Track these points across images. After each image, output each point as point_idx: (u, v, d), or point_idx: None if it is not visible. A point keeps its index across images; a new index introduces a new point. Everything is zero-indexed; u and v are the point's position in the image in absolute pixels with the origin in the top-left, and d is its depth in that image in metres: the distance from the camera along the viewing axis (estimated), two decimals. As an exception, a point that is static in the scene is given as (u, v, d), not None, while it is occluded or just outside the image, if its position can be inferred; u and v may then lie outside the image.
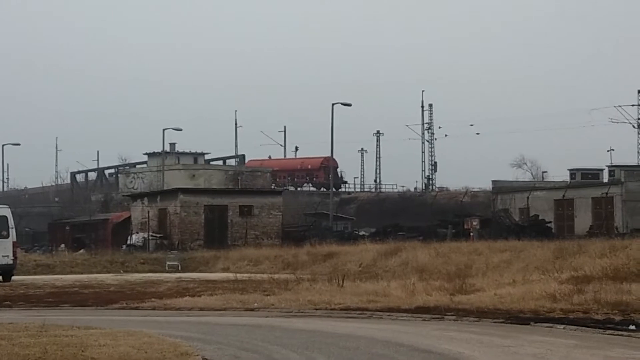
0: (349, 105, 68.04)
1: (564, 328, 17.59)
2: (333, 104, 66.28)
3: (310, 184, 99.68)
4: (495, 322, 18.93)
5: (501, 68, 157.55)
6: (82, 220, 66.71)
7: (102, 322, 19.09)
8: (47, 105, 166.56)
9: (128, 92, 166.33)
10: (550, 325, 17.99)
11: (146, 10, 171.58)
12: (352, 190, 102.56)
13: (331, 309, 22.39)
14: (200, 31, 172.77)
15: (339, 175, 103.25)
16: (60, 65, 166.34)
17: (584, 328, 17.44)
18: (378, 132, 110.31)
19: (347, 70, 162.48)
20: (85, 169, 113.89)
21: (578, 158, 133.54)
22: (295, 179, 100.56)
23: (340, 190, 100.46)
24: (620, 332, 16.72)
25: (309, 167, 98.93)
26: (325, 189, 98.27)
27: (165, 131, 77.46)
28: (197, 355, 13.23)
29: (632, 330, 16.88)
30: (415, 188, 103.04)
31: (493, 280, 28.48)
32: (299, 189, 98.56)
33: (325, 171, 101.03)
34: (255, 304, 23.99)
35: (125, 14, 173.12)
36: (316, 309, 22.50)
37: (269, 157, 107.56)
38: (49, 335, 15.28)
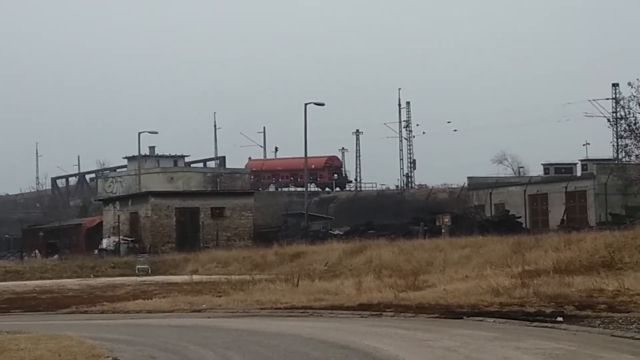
0: (322, 104, 68.01)
1: (493, 321, 17.79)
2: (306, 104, 66.15)
3: (314, 184, 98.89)
4: (429, 317, 19.13)
5: (477, 64, 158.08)
6: (56, 226, 66.66)
7: (41, 326, 19.23)
8: (26, 112, 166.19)
9: (109, 99, 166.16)
10: (482, 319, 18.18)
11: (121, 15, 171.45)
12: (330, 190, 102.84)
13: (276, 308, 22.59)
14: (181, 37, 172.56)
15: (344, 174, 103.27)
16: (38, 71, 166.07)
17: (513, 321, 17.63)
18: (357, 131, 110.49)
19: (325, 70, 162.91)
20: (65, 174, 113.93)
21: (556, 153, 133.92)
22: (299, 179, 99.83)
23: (344, 189, 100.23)
24: (545, 324, 16.90)
25: (313, 166, 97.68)
26: (329, 189, 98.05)
27: (145, 135, 77.09)
28: (108, 357, 13.39)
29: (559, 322, 17.07)
30: (396, 186, 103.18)
31: (448, 277, 28.72)
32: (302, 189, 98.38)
33: (330, 170, 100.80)
34: (204, 305, 24.16)
35: (102, 21, 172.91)
36: (261, 309, 22.70)
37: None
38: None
